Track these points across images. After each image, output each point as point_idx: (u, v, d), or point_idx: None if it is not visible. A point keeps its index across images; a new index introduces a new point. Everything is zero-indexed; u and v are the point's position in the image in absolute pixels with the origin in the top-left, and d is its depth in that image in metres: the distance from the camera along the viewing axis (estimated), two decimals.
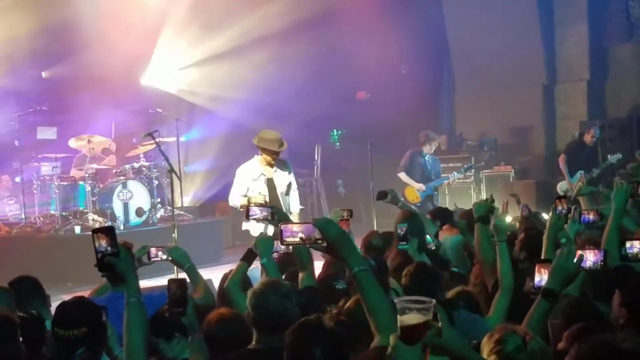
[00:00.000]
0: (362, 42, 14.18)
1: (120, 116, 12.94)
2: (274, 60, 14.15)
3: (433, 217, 6.33)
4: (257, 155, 7.57)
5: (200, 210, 13.64)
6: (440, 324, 2.10)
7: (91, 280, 8.69)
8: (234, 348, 3.42)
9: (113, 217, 10.66)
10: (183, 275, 4.40)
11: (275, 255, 4.94)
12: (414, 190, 10.61)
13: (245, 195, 7.39)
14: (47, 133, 12.50)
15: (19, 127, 11.51)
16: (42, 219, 11.07)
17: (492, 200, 4.69)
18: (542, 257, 3.88)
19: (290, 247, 4.34)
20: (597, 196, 7.37)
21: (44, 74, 13.41)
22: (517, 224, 6.42)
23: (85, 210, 10.80)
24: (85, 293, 4.89)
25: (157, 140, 9.07)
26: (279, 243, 4.54)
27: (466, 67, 14.77)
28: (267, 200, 7.07)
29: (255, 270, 6.63)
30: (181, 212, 11.56)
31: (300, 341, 2.58)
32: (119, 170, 11.34)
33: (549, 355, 2.57)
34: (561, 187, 11.06)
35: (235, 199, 7.59)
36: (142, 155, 11.42)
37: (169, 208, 10.70)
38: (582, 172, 10.93)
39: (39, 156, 11.67)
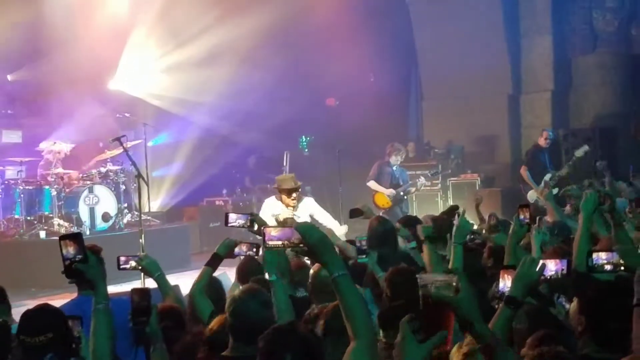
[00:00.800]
0: (331, 50, 14.26)
1: (87, 120, 12.81)
2: (243, 65, 14.16)
3: (402, 225, 6.40)
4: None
5: (168, 215, 13.59)
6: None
7: (56, 285, 8.64)
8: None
9: (79, 222, 10.57)
10: (151, 282, 4.39)
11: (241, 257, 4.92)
12: (383, 196, 10.67)
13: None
14: (12, 136, 12.34)
15: None
16: (6, 223, 10.88)
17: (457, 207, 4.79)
18: (505, 263, 3.95)
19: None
20: (568, 196, 7.53)
21: (9, 77, 13.24)
22: (484, 231, 6.52)
23: (51, 215, 10.66)
24: (50, 299, 4.84)
25: (124, 145, 9.02)
26: (240, 247, 4.59)
27: (434, 76, 14.91)
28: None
29: (223, 275, 6.62)
30: (148, 218, 11.49)
31: (272, 346, 2.60)
32: (85, 175, 11.23)
33: None
34: (531, 196, 11.08)
35: None
36: (109, 160, 11.34)
37: (136, 213, 10.62)
38: (546, 177, 10.98)
39: (4, 160, 11.50)
